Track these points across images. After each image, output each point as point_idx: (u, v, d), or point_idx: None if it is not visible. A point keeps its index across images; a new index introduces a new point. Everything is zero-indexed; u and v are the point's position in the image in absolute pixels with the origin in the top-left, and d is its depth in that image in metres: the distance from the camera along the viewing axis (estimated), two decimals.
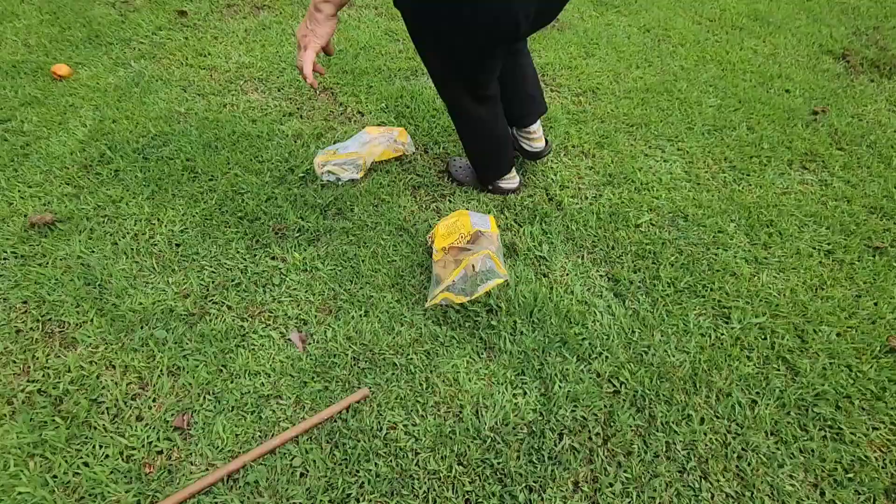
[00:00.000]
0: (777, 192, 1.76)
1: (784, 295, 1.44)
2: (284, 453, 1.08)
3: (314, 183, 1.67)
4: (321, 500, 1.02)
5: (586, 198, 1.69)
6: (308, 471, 1.06)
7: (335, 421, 1.14)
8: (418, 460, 1.09)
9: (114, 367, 1.19)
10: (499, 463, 1.09)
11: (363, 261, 1.45)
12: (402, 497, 1.03)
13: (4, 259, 1.41)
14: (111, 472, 1.03)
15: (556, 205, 1.66)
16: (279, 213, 1.56)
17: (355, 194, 1.64)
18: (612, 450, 1.13)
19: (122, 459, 1.05)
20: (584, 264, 1.49)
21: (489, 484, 1.07)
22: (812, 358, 1.30)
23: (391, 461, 1.08)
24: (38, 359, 1.20)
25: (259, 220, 1.55)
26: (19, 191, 1.60)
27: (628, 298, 1.41)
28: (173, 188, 1.63)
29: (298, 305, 1.35)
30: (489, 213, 1.61)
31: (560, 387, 1.21)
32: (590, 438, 1.15)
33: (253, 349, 1.25)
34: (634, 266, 1.49)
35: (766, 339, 1.34)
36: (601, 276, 1.47)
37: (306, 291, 1.38)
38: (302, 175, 1.69)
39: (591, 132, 1.95)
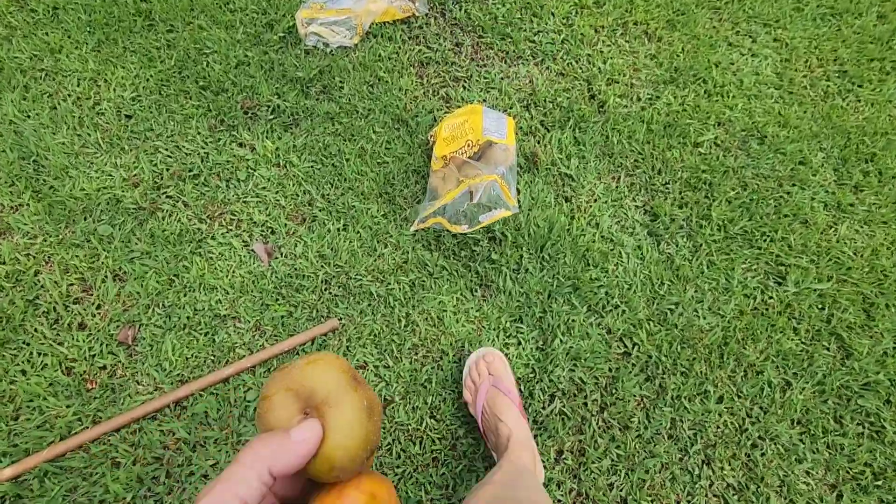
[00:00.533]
0: (893, 115, 1.35)
1: (861, 256, 1.16)
2: (238, 384, 0.97)
3: (296, 47, 1.33)
4: None
5: (639, 99, 1.32)
6: None
7: (297, 353, 1.00)
8: (386, 408, 0.97)
9: (53, 263, 1.04)
10: (475, 421, 0.97)
11: (348, 159, 1.19)
12: None
13: None
14: (50, 385, 0.94)
15: (597, 105, 1.30)
16: (250, 85, 1.26)
17: (346, 67, 1.31)
18: (608, 420, 0.99)
19: (62, 371, 0.96)
20: (618, 189, 1.20)
21: (461, 444, 0.96)
22: (874, 339, 1.07)
23: None
24: None
25: (226, 92, 1.25)
26: None
27: (665, 240, 1.15)
28: (124, 39, 1.31)
29: (266, 209, 1.13)
30: (510, 110, 1.27)
31: (561, 341, 1.03)
32: (585, 405, 1.00)
33: (210, 258, 1.07)
34: (681, 199, 1.20)
35: (823, 309, 1.10)
36: (637, 207, 1.19)
37: (276, 192, 1.15)
38: (282, 35, 1.33)
39: (662, 4, 1.48)
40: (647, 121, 1.27)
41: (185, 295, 1.04)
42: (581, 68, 1.35)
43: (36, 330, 0.98)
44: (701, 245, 1.14)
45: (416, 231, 1.09)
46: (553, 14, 1.42)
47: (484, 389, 0.92)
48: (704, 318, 1.08)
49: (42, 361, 0.96)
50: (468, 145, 1.05)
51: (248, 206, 1.13)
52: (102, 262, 1.05)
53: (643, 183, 1.21)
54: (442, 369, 1.01)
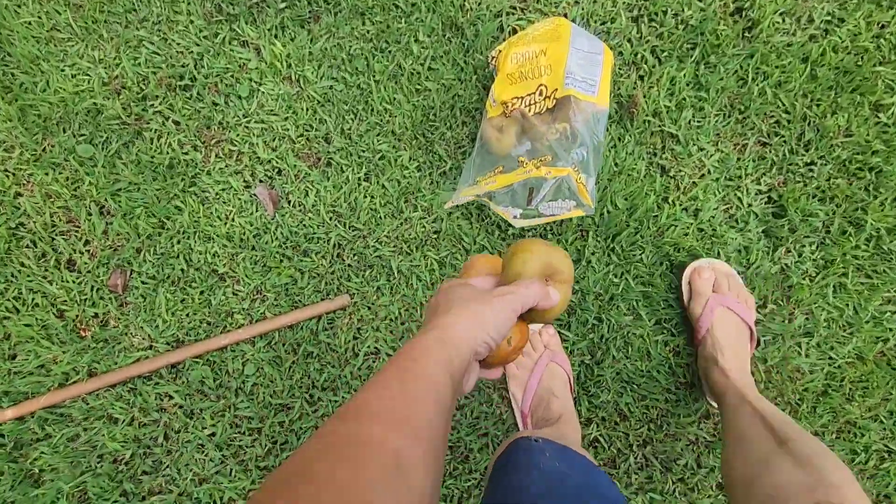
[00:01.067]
0: None
1: None
2: (236, 354, 0.87)
3: None
4: (272, 423, 0.86)
5: (810, 21, 0.88)
6: (260, 383, 0.86)
7: (301, 328, 0.87)
8: None
9: (32, 185, 0.90)
10: (495, 425, 0.85)
11: (377, 80, 0.89)
12: None
13: None
14: (43, 327, 0.87)
15: (743, 27, 0.88)
16: None
17: None
18: (649, 458, 0.84)
19: (55, 314, 0.88)
20: (740, 164, 0.87)
21: (475, 457, 0.85)
22: None
23: None
24: None
25: None
26: None
27: (785, 246, 0.85)
28: None
29: (273, 141, 0.90)
30: (612, 24, 0.88)
31: (614, 358, 0.85)
32: (626, 436, 0.85)
33: (205, 199, 0.89)
34: (828, 189, 0.86)
35: None
36: (760, 193, 0.87)
37: (286, 118, 0.90)
38: None
39: None
40: (812, 60, 0.86)
41: (178, 242, 0.89)
42: None
43: (23, 265, 0.88)
44: (835, 260, 0.84)
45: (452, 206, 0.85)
46: None
47: (543, 363, 0.82)
48: (807, 356, 0.84)
49: (33, 300, 0.88)
50: (541, 94, 0.73)
51: (251, 135, 0.90)
52: (86, 191, 0.89)
53: (778, 159, 0.87)
54: None
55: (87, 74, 0.91)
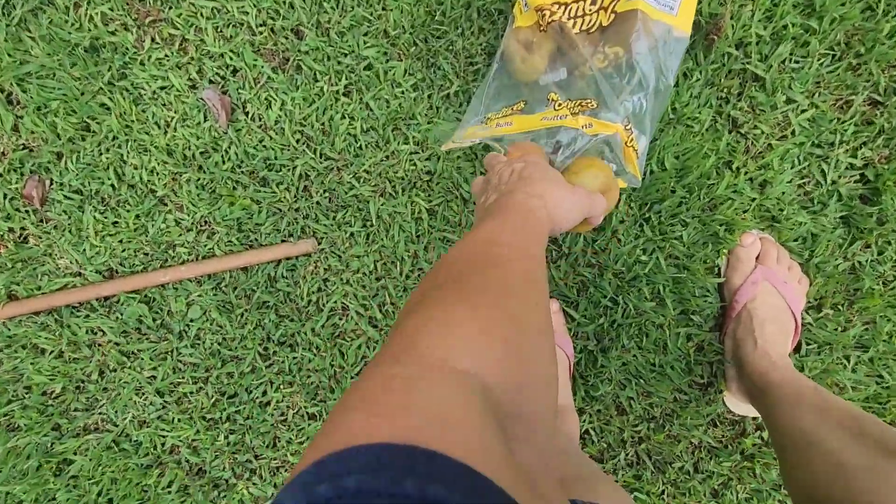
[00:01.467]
0: None
1: None
2: (179, 294, 0.73)
3: None
4: (220, 374, 0.75)
5: None
6: (207, 329, 0.74)
7: (256, 272, 0.73)
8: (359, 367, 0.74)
9: None
10: None
11: None
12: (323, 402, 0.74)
13: None
14: None
15: None
16: None
17: None
18: (641, 456, 0.75)
19: None
20: (838, 127, 0.66)
21: None
22: None
23: (325, 361, 0.73)
24: None
25: None
26: None
27: (867, 239, 0.68)
28: None
29: (227, 27, 0.68)
30: None
31: (624, 347, 0.71)
32: (620, 430, 0.74)
33: (139, 98, 0.70)
34: None
35: None
36: (851, 168, 0.67)
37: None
38: None
39: None
40: None
41: (107, 150, 0.71)
42: None
43: None
44: None
45: (451, 147, 0.65)
46: None
47: None
48: (854, 371, 0.70)
49: None
50: (595, 4, 0.51)
51: (198, 17, 0.68)
52: None
53: (890, 127, 0.65)
54: None
55: None
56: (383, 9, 0.67)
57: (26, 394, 0.76)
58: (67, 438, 0.76)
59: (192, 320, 0.74)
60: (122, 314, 0.73)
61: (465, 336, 0.25)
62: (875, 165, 0.66)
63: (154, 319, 0.74)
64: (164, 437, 0.76)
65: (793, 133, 0.66)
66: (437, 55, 0.67)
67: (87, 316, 0.74)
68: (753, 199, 0.67)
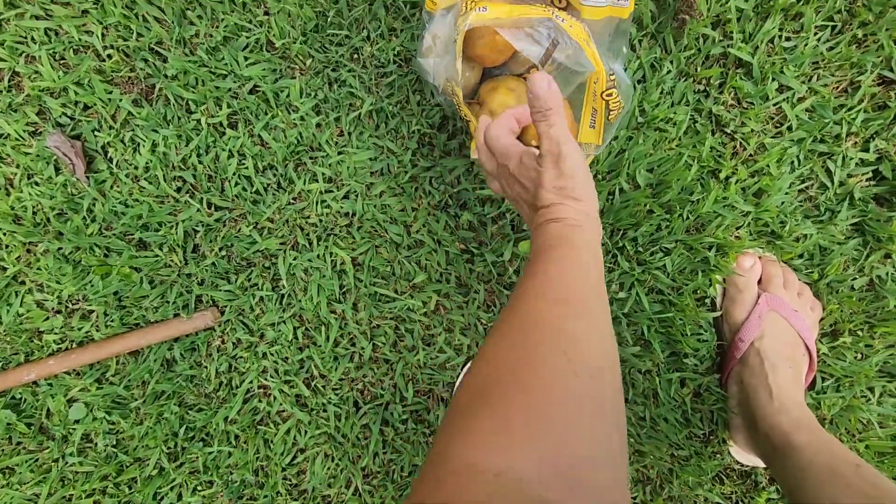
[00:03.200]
0: None
1: None
2: (56, 390, 0.59)
3: None
4: (121, 482, 0.60)
5: None
6: (97, 430, 0.60)
7: (146, 357, 0.58)
8: (288, 474, 0.61)
9: None
10: None
11: None
12: None
13: None
14: None
15: None
16: None
17: None
18: None
19: None
20: (844, 116, 0.53)
21: None
22: None
23: (247, 453, 0.59)
24: None
25: None
26: None
27: (887, 248, 0.55)
28: None
29: (68, 53, 0.53)
30: None
31: None
32: None
33: None
34: None
35: None
36: (864, 163, 0.55)
37: (83, 10, 0.52)
38: None
39: None
40: None
41: None
42: None
43: None
44: None
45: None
46: None
47: None
48: (880, 404, 0.59)
49: None
50: None
51: (29, 45, 0.52)
52: None
53: None
54: (391, 424, 0.59)
55: None
56: (265, 13, 0.52)
57: None
58: None
59: (75, 421, 0.59)
60: None
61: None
62: (891, 158, 0.54)
63: (28, 425, 0.59)
64: None
65: (789, 128, 0.53)
66: (340, 67, 0.53)
67: None
68: (748, 213, 0.54)
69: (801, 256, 0.56)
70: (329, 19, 0.51)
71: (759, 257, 0.56)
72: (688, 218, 0.54)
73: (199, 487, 0.61)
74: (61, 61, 0.53)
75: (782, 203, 0.55)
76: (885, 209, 0.55)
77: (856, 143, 0.54)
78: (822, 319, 0.57)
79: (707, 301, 0.58)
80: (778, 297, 0.54)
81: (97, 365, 0.58)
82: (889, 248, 0.55)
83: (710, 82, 0.53)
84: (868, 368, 0.57)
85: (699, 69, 0.53)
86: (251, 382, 0.59)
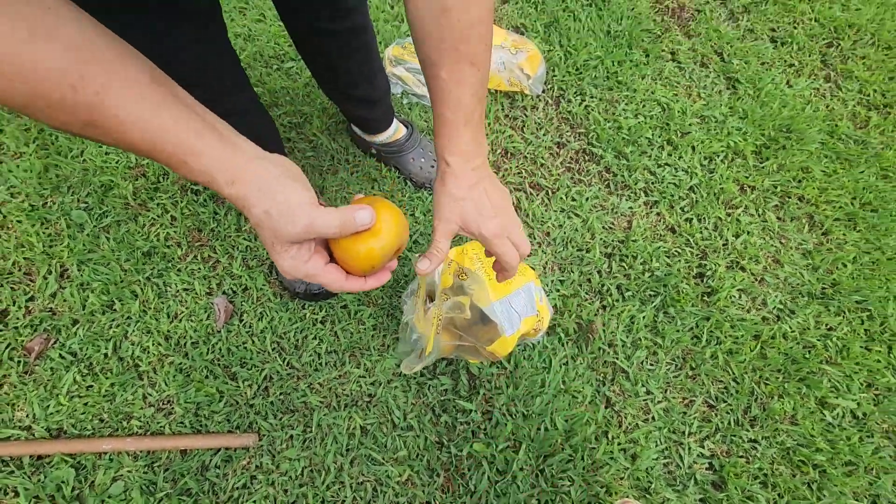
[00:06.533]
0: None
1: None
2: (110, 466, 0.78)
3: None
4: None
5: (764, 304, 0.95)
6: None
7: (193, 457, 0.79)
8: None
9: (15, 229, 0.92)
10: None
11: None
12: None
13: None
14: None
15: (703, 291, 0.96)
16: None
17: (418, 126, 1.08)
18: None
19: None
20: (685, 419, 0.86)
21: None
22: None
23: None
24: None
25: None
26: None
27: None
28: None
29: (252, 261, 0.94)
30: (587, 254, 0.96)
31: None
32: None
33: (164, 292, 0.90)
34: (772, 475, 0.83)
35: None
36: (702, 457, 0.84)
37: None
38: None
39: (849, 188, 1.09)
40: (763, 340, 0.91)
41: (117, 326, 0.87)
42: (702, 232, 1.02)
43: None
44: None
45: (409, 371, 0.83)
46: (693, 149, 1.10)
47: None
48: None
49: None
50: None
51: (233, 250, 0.94)
52: (59, 251, 0.91)
53: (724, 426, 0.86)
54: None
55: (119, 154, 1.00)
56: None
57: None
58: None
59: (110, 496, 0.76)
60: (45, 476, 0.76)
61: None
62: (719, 457, 0.84)
63: (73, 489, 0.76)
64: None
65: (653, 418, 0.86)
66: (396, 309, 0.91)
67: (12, 472, 0.76)
68: (627, 468, 0.82)
69: None
70: (396, 287, 0.93)
71: None
72: (587, 459, 0.82)
73: None
74: (246, 263, 0.94)
75: (650, 467, 0.82)
76: (718, 493, 0.81)
77: (696, 440, 0.85)
78: None
79: None
80: None
81: (153, 453, 0.79)
82: None
83: (605, 376, 0.88)
84: None
85: (599, 367, 0.89)
86: (255, 501, 0.77)
